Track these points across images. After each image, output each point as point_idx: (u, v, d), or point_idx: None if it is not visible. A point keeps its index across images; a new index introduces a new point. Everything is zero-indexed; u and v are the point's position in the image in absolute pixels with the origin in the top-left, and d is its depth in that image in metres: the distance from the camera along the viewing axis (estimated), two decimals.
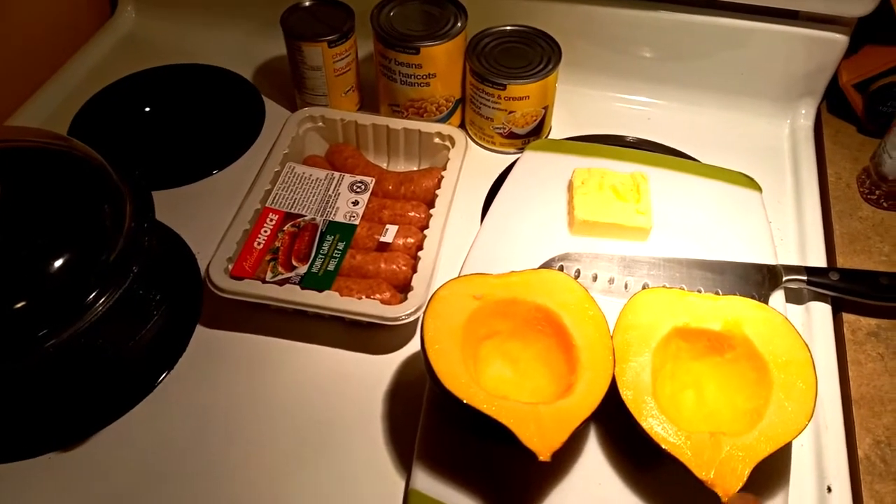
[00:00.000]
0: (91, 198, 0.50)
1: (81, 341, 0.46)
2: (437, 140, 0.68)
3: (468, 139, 0.71)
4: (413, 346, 0.57)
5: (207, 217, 0.65)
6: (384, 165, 0.70)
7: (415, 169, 0.70)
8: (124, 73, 0.81)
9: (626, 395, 0.47)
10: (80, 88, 0.79)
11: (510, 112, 0.68)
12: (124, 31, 0.88)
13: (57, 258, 0.46)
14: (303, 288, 0.55)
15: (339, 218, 0.61)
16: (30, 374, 0.48)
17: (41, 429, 0.52)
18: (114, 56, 0.84)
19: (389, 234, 0.60)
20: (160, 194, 0.64)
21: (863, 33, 0.71)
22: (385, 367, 0.56)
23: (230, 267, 0.57)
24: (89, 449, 0.51)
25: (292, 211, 0.61)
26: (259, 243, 0.59)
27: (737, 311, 0.51)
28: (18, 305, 0.44)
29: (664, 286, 0.57)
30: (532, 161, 0.68)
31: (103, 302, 0.46)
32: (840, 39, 0.70)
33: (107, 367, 0.53)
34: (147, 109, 0.78)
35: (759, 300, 0.54)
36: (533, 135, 0.71)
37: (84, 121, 0.76)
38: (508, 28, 0.70)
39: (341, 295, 0.55)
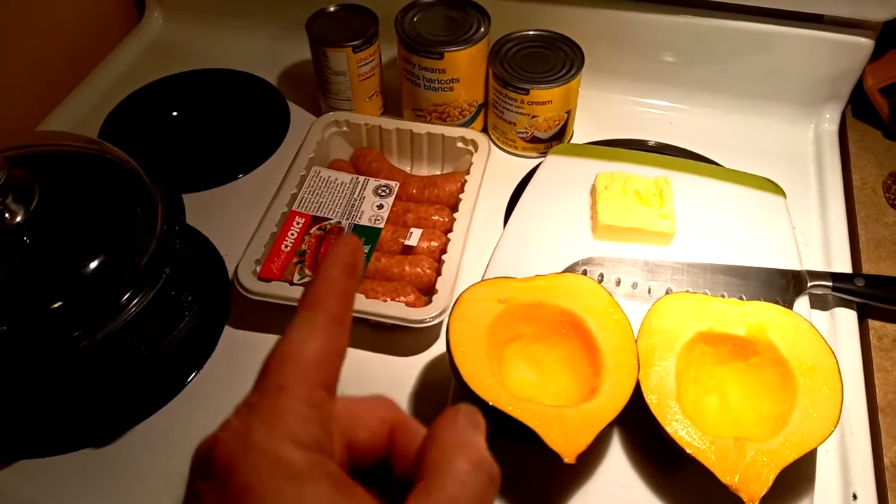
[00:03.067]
0: (124, 201, 0.51)
1: (115, 341, 0.47)
2: (460, 144, 0.69)
3: (491, 143, 0.72)
4: (437, 348, 0.58)
5: (234, 220, 0.66)
6: (408, 169, 0.71)
7: (438, 173, 0.70)
8: (152, 79, 0.82)
9: (651, 399, 0.47)
10: (109, 94, 0.81)
11: (533, 116, 0.69)
12: (152, 36, 0.89)
13: (92, 260, 0.47)
14: None
15: (364, 221, 0.62)
16: (65, 373, 0.49)
17: (76, 426, 0.53)
18: (142, 61, 0.86)
19: (414, 237, 0.61)
20: (187, 197, 0.65)
21: (888, 37, 0.70)
22: (409, 368, 0.57)
23: (258, 269, 0.58)
24: (122, 445, 0.52)
25: (318, 214, 0.62)
26: (286, 246, 0.59)
27: (761, 317, 0.51)
28: (54, 306, 0.45)
29: (687, 291, 0.57)
30: (555, 165, 0.68)
31: (136, 303, 0.47)
32: (865, 43, 0.70)
33: (139, 367, 0.54)
34: (174, 114, 0.79)
35: (784, 306, 0.54)
36: (555, 139, 0.71)
37: (113, 125, 0.78)
38: (531, 33, 0.71)
39: (367, 297, 0.56)
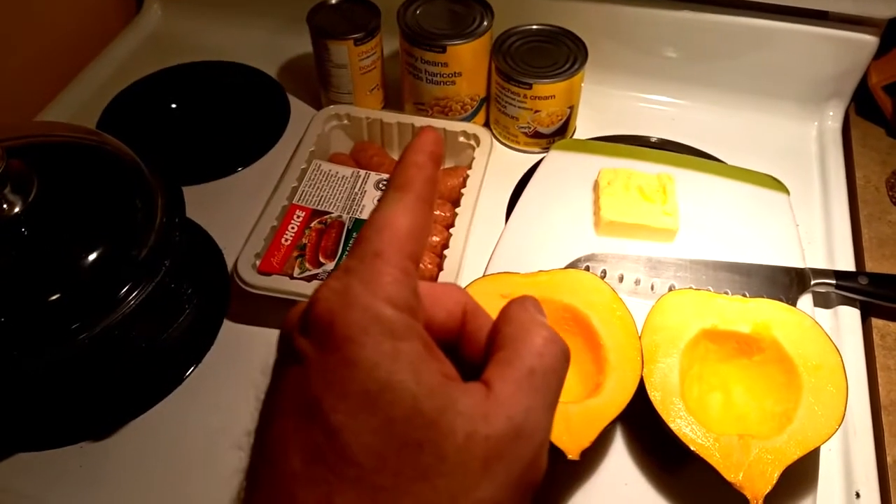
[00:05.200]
0: (123, 193, 0.50)
1: (115, 334, 0.46)
2: (461, 139, 0.68)
3: (493, 138, 0.71)
4: None
5: (233, 213, 0.66)
6: None
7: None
8: (150, 70, 0.81)
9: (655, 396, 0.47)
10: (107, 85, 0.80)
11: (536, 111, 0.68)
12: (150, 28, 0.88)
13: (90, 252, 0.46)
14: None
15: (366, 215, 0.61)
16: (64, 366, 0.49)
17: (74, 418, 0.53)
18: (140, 53, 0.85)
19: None
20: (186, 190, 0.64)
21: (893, 34, 0.70)
22: None
23: (258, 263, 0.57)
24: (120, 439, 0.52)
25: (319, 208, 0.62)
26: (286, 240, 0.59)
27: (766, 314, 0.50)
28: (53, 298, 0.45)
29: (691, 288, 0.57)
30: (557, 160, 0.68)
31: (136, 295, 0.47)
32: (869, 41, 0.69)
33: (138, 360, 0.53)
34: (173, 106, 0.78)
35: (787, 303, 0.54)
36: (558, 134, 0.71)
37: (111, 117, 0.77)
38: (534, 27, 0.70)
39: None
